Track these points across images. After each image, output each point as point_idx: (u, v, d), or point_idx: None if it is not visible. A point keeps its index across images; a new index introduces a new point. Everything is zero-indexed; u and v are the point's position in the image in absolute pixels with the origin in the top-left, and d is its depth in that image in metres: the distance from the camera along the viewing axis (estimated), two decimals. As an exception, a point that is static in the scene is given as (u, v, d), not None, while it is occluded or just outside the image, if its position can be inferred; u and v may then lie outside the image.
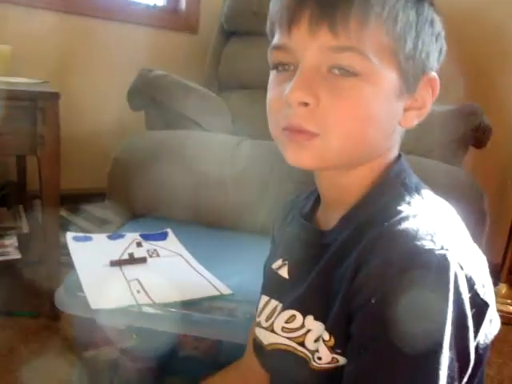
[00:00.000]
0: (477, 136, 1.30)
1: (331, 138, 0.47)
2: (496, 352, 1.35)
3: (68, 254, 1.36)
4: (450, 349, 0.40)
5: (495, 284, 1.63)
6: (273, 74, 0.52)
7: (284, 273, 0.58)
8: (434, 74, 0.52)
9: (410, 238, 0.42)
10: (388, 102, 0.49)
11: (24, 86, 1.34)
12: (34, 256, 1.32)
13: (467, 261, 0.44)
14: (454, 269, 0.41)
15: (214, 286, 0.84)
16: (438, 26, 0.51)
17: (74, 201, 1.85)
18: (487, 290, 0.45)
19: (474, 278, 0.43)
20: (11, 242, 1.27)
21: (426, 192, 0.51)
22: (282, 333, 0.54)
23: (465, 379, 0.44)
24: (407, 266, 0.41)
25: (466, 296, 0.42)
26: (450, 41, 0.54)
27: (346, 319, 0.45)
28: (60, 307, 0.82)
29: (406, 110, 0.51)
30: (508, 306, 1.60)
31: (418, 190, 0.50)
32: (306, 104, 0.46)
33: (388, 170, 0.52)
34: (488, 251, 0.54)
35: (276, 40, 0.50)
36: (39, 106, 1.15)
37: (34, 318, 1.30)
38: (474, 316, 0.43)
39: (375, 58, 0.46)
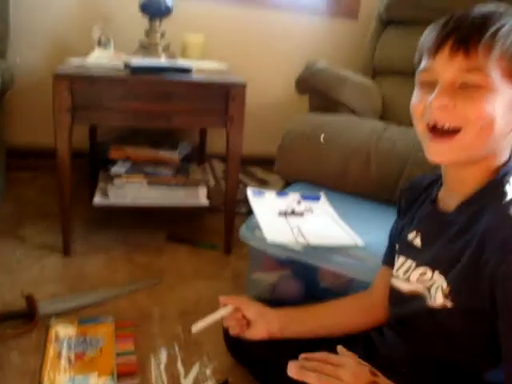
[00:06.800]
0: None
1: (470, 131, 0.65)
2: None
3: (241, 207, 1.76)
4: None
5: None
6: (417, 88, 0.73)
7: (417, 241, 0.81)
8: None
9: None
10: (505, 110, 0.65)
11: (218, 74, 1.73)
12: (216, 203, 1.74)
13: None
14: None
15: (351, 238, 1.13)
16: None
17: (243, 163, 2.27)
18: None
19: None
20: (202, 191, 1.69)
21: None
22: (416, 282, 0.77)
23: None
24: None
25: None
26: None
27: (472, 275, 0.65)
28: (243, 239, 1.18)
29: None
30: None
31: None
32: (445, 107, 0.66)
33: (498, 170, 0.70)
34: None
35: (423, 64, 0.71)
36: (231, 93, 1.51)
37: (212, 250, 1.72)
38: None
39: (497, 77, 0.64)
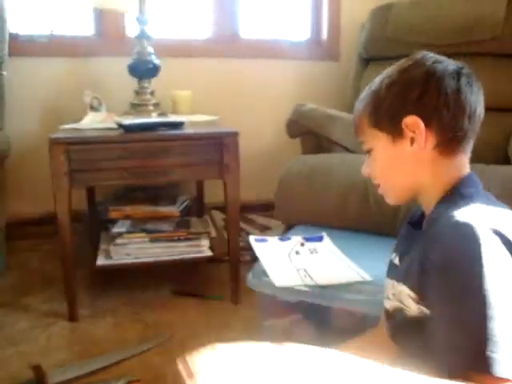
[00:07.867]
0: None
1: (380, 182, 0.82)
2: None
3: (244, 255, 1.76)
4: None
5: None
6: None
7: (397, 260, 0.84)
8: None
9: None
10: (387, 150, 0.77)
11: (209, 126, 1.76)
12: (219, 254, 1.73)
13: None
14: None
15: (358, 274, 1.13)
16: None
17: (243, 211, 2.28)
18: None
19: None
20: (205, 243, 1.68)
21: (479, 198, 0.72)
22: (393, 297, 0.79)
23: None
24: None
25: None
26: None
27: (422, 278, 0.68)
28: (251, 287, 1.17)
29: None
30: None
31: (471, 198, 0.71)
32: (367, 174, 0.84)
33: (452, 187, 0.75)
34: None
35: None
36: (225, 142, 1.54)
37: (220, 301, 1.70)
38: None
39: (371, 133, 0.78)
